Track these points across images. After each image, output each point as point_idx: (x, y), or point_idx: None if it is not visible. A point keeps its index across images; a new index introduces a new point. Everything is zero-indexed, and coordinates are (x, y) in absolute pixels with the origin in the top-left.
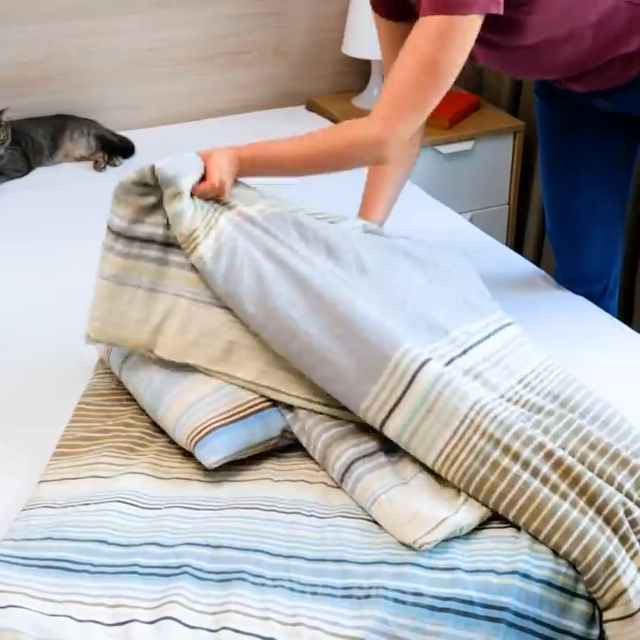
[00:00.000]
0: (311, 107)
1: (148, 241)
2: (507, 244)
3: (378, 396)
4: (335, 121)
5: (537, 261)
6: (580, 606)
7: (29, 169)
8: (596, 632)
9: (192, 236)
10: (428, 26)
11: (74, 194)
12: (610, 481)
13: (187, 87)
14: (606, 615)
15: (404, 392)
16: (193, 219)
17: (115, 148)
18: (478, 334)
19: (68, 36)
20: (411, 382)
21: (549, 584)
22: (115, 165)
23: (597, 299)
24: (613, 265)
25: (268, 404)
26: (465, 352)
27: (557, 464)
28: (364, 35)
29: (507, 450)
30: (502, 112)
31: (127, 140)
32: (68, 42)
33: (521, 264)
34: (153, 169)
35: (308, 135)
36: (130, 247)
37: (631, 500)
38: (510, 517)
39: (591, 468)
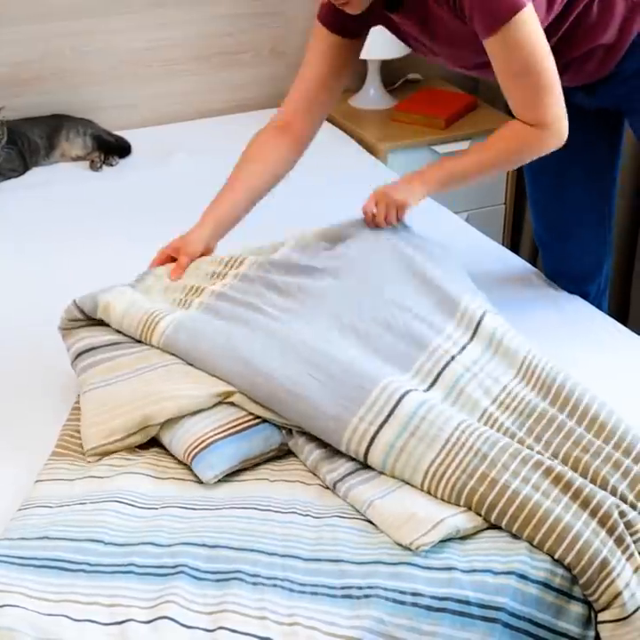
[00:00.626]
0: None
1: (111, 345)
2: (503, 244)
3: (357, 428)
4: (331, 121)
5: (533, 261)
6: (577, 608)
7: (26, 169)
8: (591, 634)
9: (152, 316)
10: (498, 44)
11: (70, 193)
12: (604, 483)
13: (182, 87)
14: (601, 617)
15: (386, 419)
16: (142, 308)
17: (111, 148)
18: (462, 337)
19: (63, 35)
20: (392, 411)
21: (546, 585)
22: (111, 165)
23: (592, 298)
24: (605, 263)
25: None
26: (447, 365)
27: (548, 472)
28: None
29: (494, 463)
30: (498, 112)
31: (123, 139)
32: (63, 42)
33: (517, 263)
34: (75, 302)
35: (478, 152)
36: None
37: (625, 501)
38: (503, 526)
39: (585, 470)
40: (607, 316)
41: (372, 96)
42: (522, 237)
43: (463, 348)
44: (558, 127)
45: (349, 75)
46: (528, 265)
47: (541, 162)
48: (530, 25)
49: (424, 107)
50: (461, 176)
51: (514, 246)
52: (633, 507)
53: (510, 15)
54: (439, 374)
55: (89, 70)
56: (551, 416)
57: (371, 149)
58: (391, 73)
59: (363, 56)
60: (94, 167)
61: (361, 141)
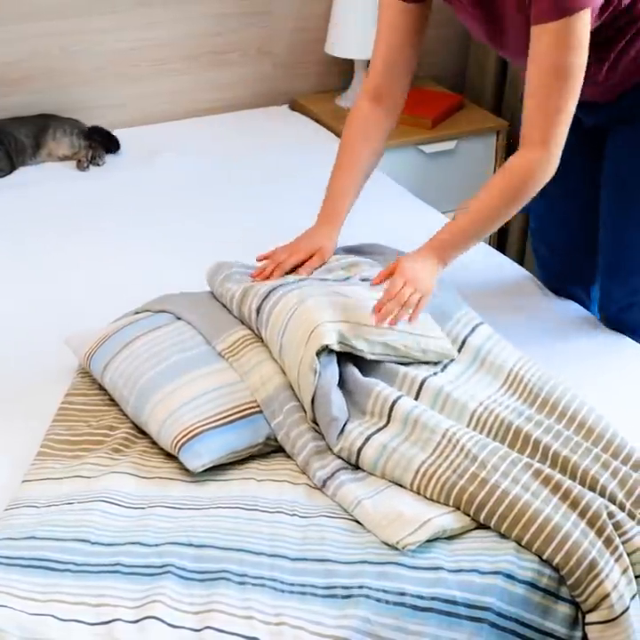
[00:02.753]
0: (294, 106)
1: None
2: (490, 244)
3: (352, 430)
4: (318, 120)
5: (520, 261)
6: (564, 609)
7: (12, 168)
8: (578, 634)
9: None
10: (549, 34)
11: (57, 193)
12: (593, 483)
13: (170, 86)
14: (589, 618)
15: (385, 425)
16: None
17: (101, 142)
18: (451, 350)
19: (51, 35)
20: (389, 415)
21: (533, 585)
22: (98, 165)
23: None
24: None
25: (253, 409)
26: (425, 381)
27: (537, 473)
28: (347, 35)
29: (484, 464)
30: (485, 111)
31: (111, 134)
32: (51, 41)
33: (504, 263)
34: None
35: (479, 199)
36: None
37: (615, 502)
38: (492, 526)
39: (574, 471)
40: (596, 318)
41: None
42: (508, 238)
43: (445, 366)
44: (557, 153)
45: (424, 36)
46: (515, 265)
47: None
48: (586, 27)
49: (411, 106)
50: (474, 234)
51: (500, 246)
52: (622, 507)
53: (576, 9)
54: (421, 386)
55: (77, 70)
56: (537, 420)
57: None
58: None
59: (349, 56)
60: (81, 167)
61: None
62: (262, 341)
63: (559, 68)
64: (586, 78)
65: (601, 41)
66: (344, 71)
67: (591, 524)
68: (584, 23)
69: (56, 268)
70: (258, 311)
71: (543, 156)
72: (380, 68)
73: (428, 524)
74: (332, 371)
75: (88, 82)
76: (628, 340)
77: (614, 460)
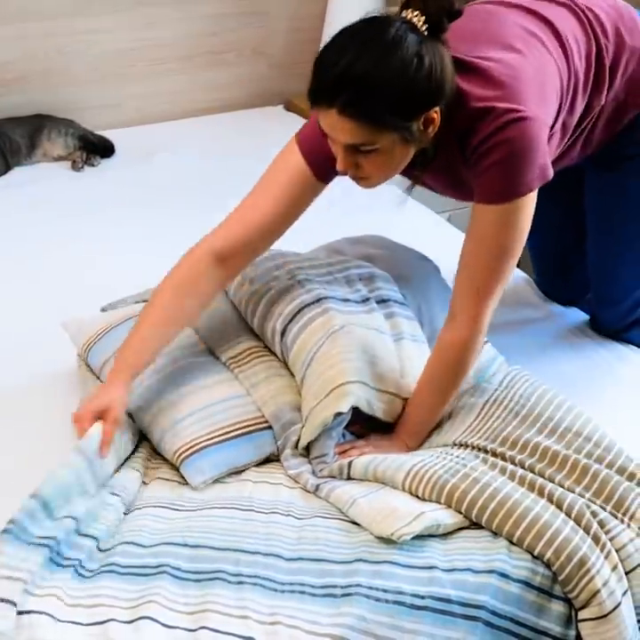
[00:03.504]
0: (289, 106)
1: None
2: None
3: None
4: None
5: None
6: (558, 607)
7: (7, 168)
8: (572, 633)
9: None
10: (493, 214)
11: (52, 193)
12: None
13: (165, 87)
14: (581, 615)
15: None
16: None
17: (94, 148)
18: None
19: (46, 35)
20: None
21: (527, 584)
22: (93, 165)
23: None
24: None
25: (258, 425)
26: None
27: (522, 479)
28: None
29: (475, 468)
30: None
31: (106, 139)
32: (47, 41)
33: None
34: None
35: (423, 391)
36: None
37: (595, 503)
38: (483, 523)
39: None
40: (585, 321)
41: None
42: None
43: None
44: (483, 329)
45: (296, 218)
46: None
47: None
48: (530, 209)
49: None
50: (434, 418)
51: None
52: (603, 508)
53: (525, 193)
54: None
55: (73, 70)
56: (518, 435)
57: None
58: None
59: None
60: (76, 167)
61: None
62: (270, 353)
63: (500, 247)
64: (562, 159)
65: (569, 141)
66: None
67: (577, 522)
68: (528, 203)
69: (51, 268)
70: (283, 333)
71: (472, 335)
72: (239, 239)
73: (423, 516)
74: (338, 431)
75: (83, 82)
76: (623, 345)
77: (597, 463)
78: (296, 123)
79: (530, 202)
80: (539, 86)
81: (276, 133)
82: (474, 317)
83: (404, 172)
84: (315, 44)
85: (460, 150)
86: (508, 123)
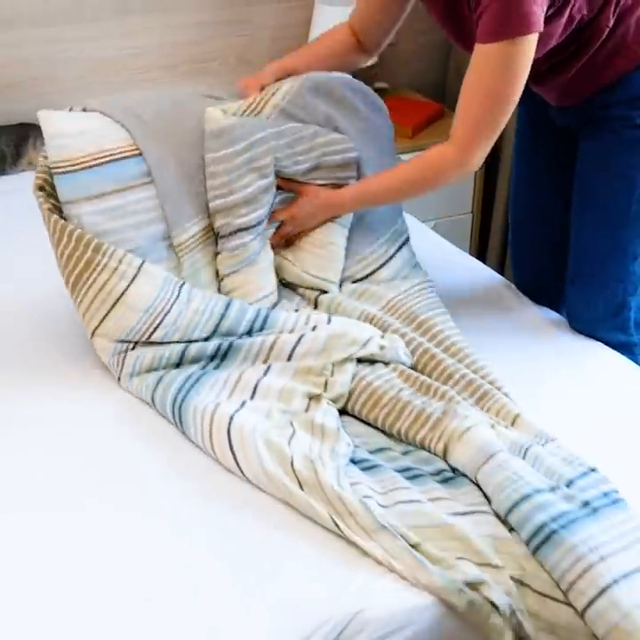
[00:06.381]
0: None
1: None
2: (470, 253)
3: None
4: None
5: (500, 270)
6: None
7: None
8: None
9: None
10: (490, 54)
11: (36, 203)
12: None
13: None
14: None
15: None
16: None
17: None
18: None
19: (31, 43)
20: None
21: None
22: None
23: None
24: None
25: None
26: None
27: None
28: None
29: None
30: None
31: None
32: (32, 49)
33: (484, 272)
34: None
35: (396, 168)
36: None
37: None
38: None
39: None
40: (567, 324)
41: None
42: (488, 246)
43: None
44: (474, 161)
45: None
46: (495, 274)
47: (519, 173)
48: (529, 52)
49: (391, 115)
50: (374, 200)
51: (480, 255)
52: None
53: (520, 32)
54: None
55: (58, 78)
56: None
57: None
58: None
59: None
60: None
61: None
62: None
63: (496, 90)
64: (552, 84)
65: (568, 55)
66: None
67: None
68: (528, 45)
69: (35, 278)
70: None
71: (459, 159)
72: (361, 20)
73: None
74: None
75: (69, 90)
76: (598, 343)
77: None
78: None
79: (526, 48)
80: None
81: None
82: (467, 141)
83: None
84: None
85: None
86: None
